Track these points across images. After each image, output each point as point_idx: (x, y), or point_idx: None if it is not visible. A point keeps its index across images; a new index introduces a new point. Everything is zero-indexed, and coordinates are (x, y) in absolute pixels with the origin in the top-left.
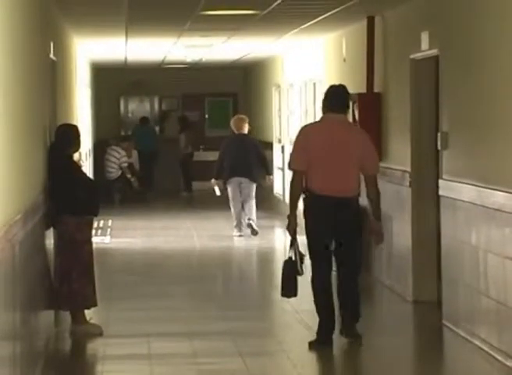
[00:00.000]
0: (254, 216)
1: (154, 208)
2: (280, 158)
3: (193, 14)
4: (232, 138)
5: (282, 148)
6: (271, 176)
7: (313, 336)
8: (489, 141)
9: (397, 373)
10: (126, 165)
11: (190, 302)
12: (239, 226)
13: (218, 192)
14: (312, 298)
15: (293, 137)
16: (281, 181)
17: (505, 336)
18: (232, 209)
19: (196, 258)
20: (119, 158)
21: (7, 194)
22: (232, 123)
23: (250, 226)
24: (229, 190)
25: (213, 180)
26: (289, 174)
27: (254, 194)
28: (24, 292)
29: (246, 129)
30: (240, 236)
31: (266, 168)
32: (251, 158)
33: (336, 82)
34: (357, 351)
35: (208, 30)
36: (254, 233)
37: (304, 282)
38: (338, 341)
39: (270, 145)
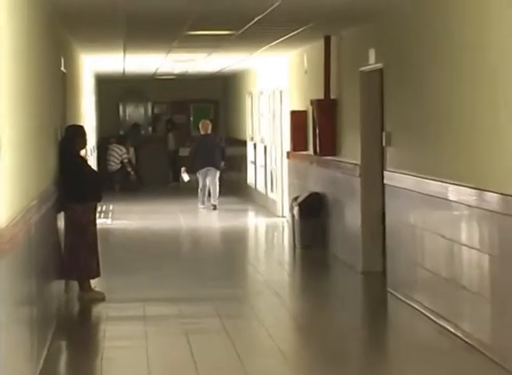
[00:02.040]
0: (217, 194)
1: (147, 196)
2: (252, 153)
3: (180, 34)
4: (201, 138)
5: (254, 145)
6: (223, 162)
7: (281, 302)
8: (425, 139)
9: (350, 330)
10: (126, 160)
11: (178, 273)
12: (202, 201)
13: (186, 178)
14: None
15: (264, 136)
16: (253, 173)
17: (437, 300)
18: (199, 190)
19: (182, 237)
20: (121, 155)
21: (24, 184)
22: (200, 125)
23: (213, 205)
24: (199, 177)
25: (183, 169)
26: (259, 168)
27: (217, 178)
28: (39, 265)
29: (210, 130)
30: (203, 208)
31: (223, 157)
32: (215, 152)
33: (298, 90)
34: (317, 312)
35: (192, 47)
36: (215, 208)
37: (275, 257)
38: (301, 305)
39: (244, 142)
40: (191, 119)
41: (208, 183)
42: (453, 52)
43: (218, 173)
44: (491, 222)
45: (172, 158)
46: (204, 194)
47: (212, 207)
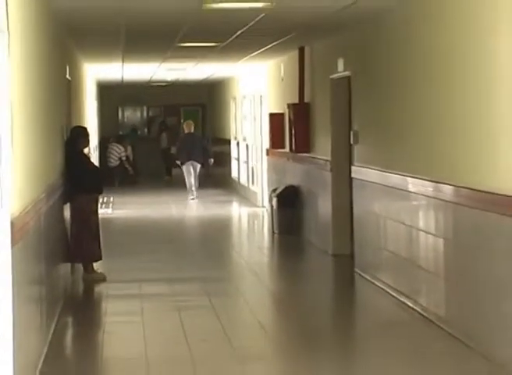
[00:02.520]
0: (197, 185)
1: (143, 188)
2: (236, 151)
3: (172, 46)
4: (185, 136)
5: (238, 143)
6: (211, 159)
7: (261, 281)
8: (388, 138)
9: (322, 306)
10: (124, 158)
11: (170, 256)
12: (191, 192)
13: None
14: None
15: (246, 136)
16: (237, 168)
17: (398, 279)
18: (186, 182)
19: (174, 224)
20: (120, 153)
21: (35, 179)
22: (184, 125)
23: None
24: (184, 169)
25: (177, 161)
26: (242, 163)
27: (198, 170)
28: (48, 250)
29: (192, 129)
30: (192, 199)
31: (208, 154)
32: (197, 148)
33: (276, 95)
34: (292, 291)
35: (182, 58)
36: (194, 199)
37: (256, 242)
38: (279, 284)
39: (228, 141)
40: (182, 120)
41: (192, 175)
42: (412, 63)
43: (199, 167)
44: (445, 210)
45: (164, 155)
46: (190, 187)
47: (193, 197)
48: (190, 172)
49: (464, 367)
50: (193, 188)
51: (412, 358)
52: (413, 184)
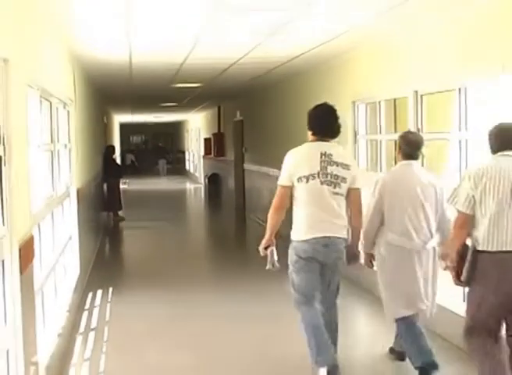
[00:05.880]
0: (165, 168)
1: (145, 175)
2: (188, 156)
3: (156, 105)
4: (158, 147)
5: (189, 152)
6: (171, 158)
7: (200, 219)
8: (260, 149)
9: (230, 230)
10: (134, 160)
11: (160, 208)
12: (161, 174)
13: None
14: None
15: (193, 148)
16: (188, 165)
17: (265, 216)
18: (159, 170)
19: (157, 192)
20: (131, 158)
21: (87, 171)
22: (159, 143)
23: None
24: (159, 164)
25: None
26: (191, 162)
27: (165, 163)
28: (95, 205)
29: (161, 144)
30: (163, 178)
31: (168, 156)
32: (164, 153)
33: (207, 128)
34: (215, 223)
35: (161, 111)
36: (165, 176)
37: (198, 201)
38: (209, 221)
39: (184, 152)
40: (160, 142)
41: (162, 166)
42: (273, 114)
43: (165, 162)
44: None
45: (132, 165)
46: (161, 174)
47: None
48: (160, 164)
49: None
50: (164, 171)
51: None
52: (272, 171)
